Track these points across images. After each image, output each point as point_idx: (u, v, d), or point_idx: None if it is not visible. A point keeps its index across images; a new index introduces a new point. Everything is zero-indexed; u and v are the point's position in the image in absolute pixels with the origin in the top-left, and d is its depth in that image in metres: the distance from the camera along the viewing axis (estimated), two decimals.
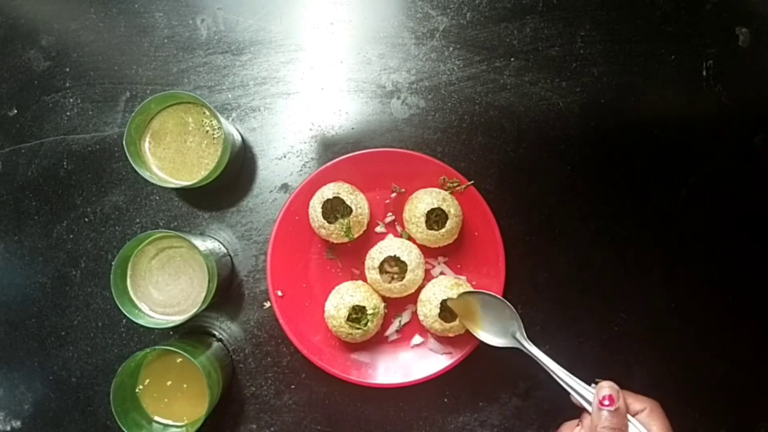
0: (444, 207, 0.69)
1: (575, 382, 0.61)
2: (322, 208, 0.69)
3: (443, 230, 0.69)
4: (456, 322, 0.67)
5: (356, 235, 0.71)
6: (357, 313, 0.69)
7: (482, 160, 0.76)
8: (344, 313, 0.67)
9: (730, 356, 0.75)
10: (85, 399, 0.74)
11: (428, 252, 0.72)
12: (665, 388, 0.74)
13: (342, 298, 0.68)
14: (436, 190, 0.71)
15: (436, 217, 0.70)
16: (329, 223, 0.69)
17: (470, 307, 0.67)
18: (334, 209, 0.70)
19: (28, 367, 0.74)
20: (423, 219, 0.69)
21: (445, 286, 0.68)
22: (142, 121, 0.70)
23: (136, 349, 0.74)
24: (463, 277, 0.72)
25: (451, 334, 0.69)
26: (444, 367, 0.70)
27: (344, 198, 0.69)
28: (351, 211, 0.69)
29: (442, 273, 0.73)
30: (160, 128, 0.71)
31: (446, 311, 0.68)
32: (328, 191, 0.69)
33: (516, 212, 0.75)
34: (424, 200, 0.69)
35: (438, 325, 0.68)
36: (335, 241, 0.72)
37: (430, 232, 0.69)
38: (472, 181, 0.72)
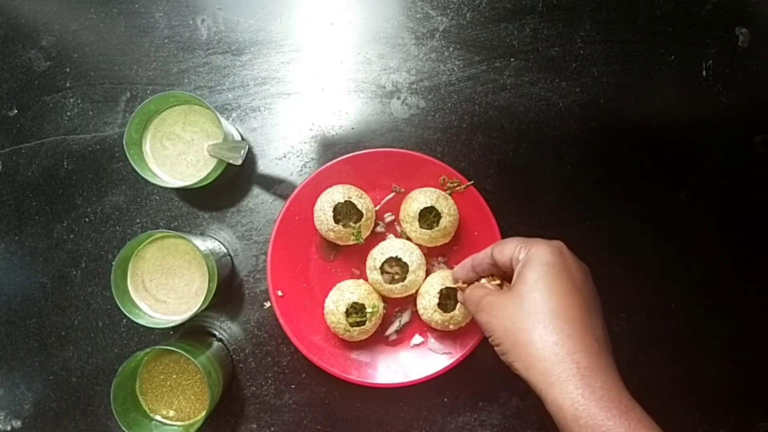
0: (437, 206, 0.69)
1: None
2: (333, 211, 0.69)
3: (436, 229, 0.69)
4: (456, 311, 0.67)
5: (365, 238, 0.71)
6: (356, 311, 0.69)
7: (482, 160, 0.76)
8: (343, 308, 0.67)
9: (730, 356, 0.75)
10: (85, 399, 0.74)
11: (427, 252, 0.72)
12: (665, 388, 0.74)
13: (342, 295, 0.68)
14: (432, 189, 0.71)
15: (434, 217, 0.70)
16: (343, 227, 0.69)
17: None
18: (344, 213, 0.70)
19: (28, 367, 0.74)
20: (416, 218, 0.69)
21: (443, 276, 0.69)
22: (143, 122, 0.70)
23: (136, 349, 0.74)
24: None
25: (452, 327, 0.68)
26: (444, 367, 0.70)
27: (355, 202, 0.69)
28: (362, 215, 0.69)
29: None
30: (160, 128, 0.71)
31: (445, 301, 0.68)
32: (337, 195, 0.69)
33: (516, 212, 0.75)
34: (417, 199, 0.69)
35: (438, 315, 0.67)
36: (342, 243, 0.72)
37: (424, 231, 0.69)
38: (472, 181, 0.72)
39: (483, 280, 0.58)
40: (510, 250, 0.53)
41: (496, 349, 0.51)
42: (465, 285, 0.61)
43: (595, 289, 0.52)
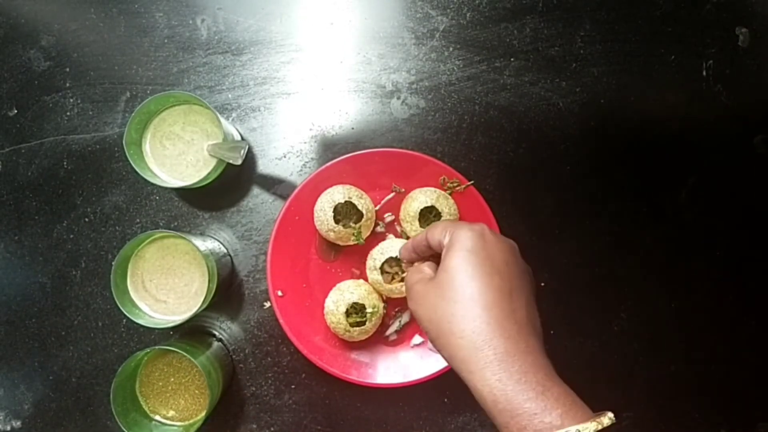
0: (438, 206, 0.69)
1: None
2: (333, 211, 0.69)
3: None
4: None
5: (365, 238, 0.71)
6: (356, 311, 0.69)
7: (482, 160, 0.76)
8: (343, 309, 0.67)
9: (730, 356, 0.75)
10: (85, 399, 0.74)
11: None
12: (665, 388, 0.74)
13: (342, 295, 0.68)
14: (432, 189, 0.71)
15: (434, 217, 0.70)
16: (343, 227, 0.69)
17: None
18: (345, 213, 0.70)
19: (28, 367, 0.74)
20: (416, 217, 0.69)
21: None
22: (142, 121, 0.70)
23: (136, 349, 0.74)
24: None
25: None
26: (444, 367, 0.70)
27: (355, 203, 0.69)
28: (362, 215, 0.69)
29: None
30: (160, 128, 0.71)
31: None
32: (337, 195, 0.69)
33: (516, 212, 0.75)
34: (418, 199, 0.69)
35: None
36: (342, 243, 0.72)
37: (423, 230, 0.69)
38: (472, 181, 0.72)
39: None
40: (438, 233, 0.52)
41: (428, 337, 0.51)
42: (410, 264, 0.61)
43: (525, 266, 0.51)
